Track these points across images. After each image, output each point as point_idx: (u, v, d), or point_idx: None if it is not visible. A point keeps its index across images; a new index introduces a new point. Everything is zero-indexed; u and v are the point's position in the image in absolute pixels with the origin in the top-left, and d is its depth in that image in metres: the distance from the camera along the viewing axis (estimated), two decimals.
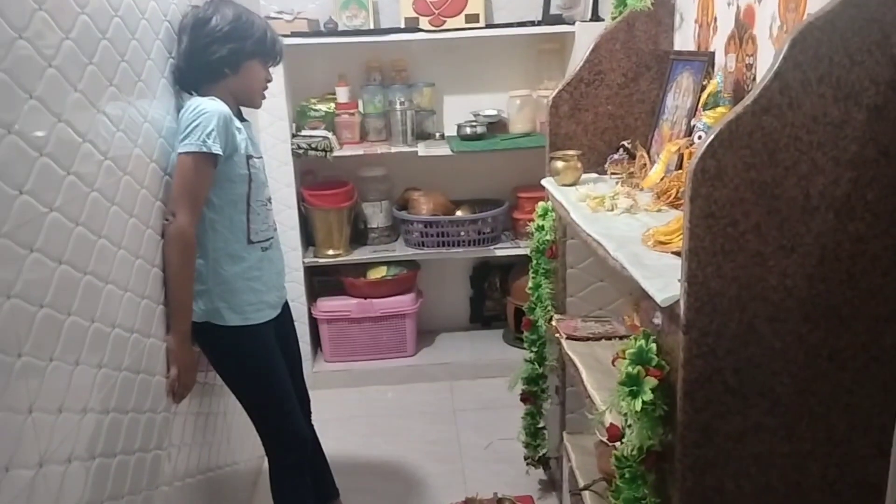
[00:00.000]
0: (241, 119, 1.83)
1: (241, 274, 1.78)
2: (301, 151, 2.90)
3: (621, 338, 1.81)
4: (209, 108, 1.66)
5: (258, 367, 1.84)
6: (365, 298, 3.13)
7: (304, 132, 2.99)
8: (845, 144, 1.07)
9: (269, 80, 1.88)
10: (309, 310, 3.14)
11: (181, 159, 1.65)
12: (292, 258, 2.93)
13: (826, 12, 1.05)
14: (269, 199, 1.88)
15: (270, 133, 2.87)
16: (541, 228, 2.14)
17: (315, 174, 3.17)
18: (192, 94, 1.79)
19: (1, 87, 1.05)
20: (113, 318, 1.36)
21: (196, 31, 1.74)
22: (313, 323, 3.17)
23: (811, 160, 1.07)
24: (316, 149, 2.90)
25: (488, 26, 3.00)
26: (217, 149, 1.65)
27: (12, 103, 1.07)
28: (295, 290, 2.97)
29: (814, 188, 1.08)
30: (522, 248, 2.85)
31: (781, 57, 1.03)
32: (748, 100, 1.04)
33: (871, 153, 1.08)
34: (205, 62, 1.74)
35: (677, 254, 1.23)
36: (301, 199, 3.01)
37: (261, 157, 1.86)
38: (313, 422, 2.11)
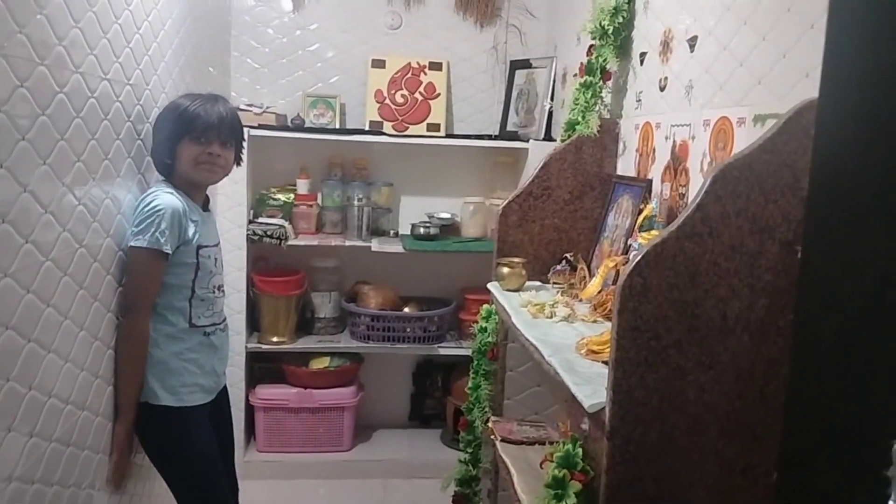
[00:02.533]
0: (206, 209, 1.89)
1: (178, 354, 1.79)
2: (256, 238, 2.95)
3: (554, 443, 1.85)
4: (162, 204, 1.72)
5: (189, 450, 1.81)
6: (305, 388, 3.11)
7: (261, 219, 3.05)
8: (760, 273, 1.18)
9: (211, 153, 1.80)
10: (246, 396, 3.10)
11: (133, 253, 1.71)
12: (235, 342, 2.91)
13: (745, 154, 1.18)
14: (220, 287, 1.91)
15: (227, 217, 2.92)
16: (483, 330, 2.20)
17: (268, 261, 3.21)
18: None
19: None
20: (50, 388, 1.36)
21: None
22: (249, 410, 3.13)
23: (728, 285, 1.17)
24: (271, 236, 2.95)
25: (448, 136, 3.17)
26: (168, 248, 1.71)
27: None
28: (234, 375, 2.94)
29: (731, 311, 1.17)
30: (466, 349, 2.89)
31: (703, 191, 1.15)
32: (673, 226, 1.15)
33: (783, 283, 1.19)
34: (154, 159, 1.86)
35: (608, 363, 1.30)
36: (251, 284, 3.03)
37: (216, 246, 1.90)
38: None
